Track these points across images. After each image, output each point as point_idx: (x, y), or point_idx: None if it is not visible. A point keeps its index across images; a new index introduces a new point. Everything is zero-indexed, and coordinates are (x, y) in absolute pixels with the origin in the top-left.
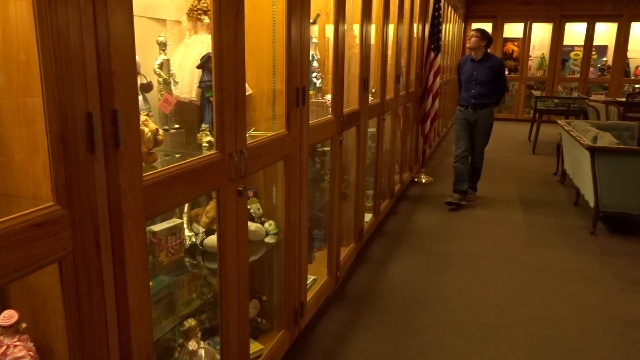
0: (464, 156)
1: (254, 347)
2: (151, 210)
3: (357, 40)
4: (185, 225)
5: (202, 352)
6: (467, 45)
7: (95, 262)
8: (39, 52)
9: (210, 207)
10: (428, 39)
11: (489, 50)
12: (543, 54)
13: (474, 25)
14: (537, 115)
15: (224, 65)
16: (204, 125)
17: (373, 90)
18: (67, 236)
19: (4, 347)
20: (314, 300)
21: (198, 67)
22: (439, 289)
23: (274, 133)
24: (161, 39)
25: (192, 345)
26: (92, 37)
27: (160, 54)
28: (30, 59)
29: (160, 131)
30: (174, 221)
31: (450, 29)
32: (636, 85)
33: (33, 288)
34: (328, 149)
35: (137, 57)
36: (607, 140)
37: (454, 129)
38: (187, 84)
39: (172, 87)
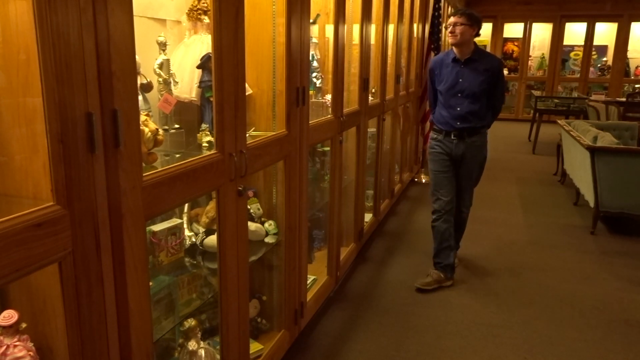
0: (448, 211)
1: (254, 347)
2: (151, 210)
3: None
4: (185, 225)
5: (202, 352)
6: (452, 39)
7: (95, 262)
8: (39, 52)
9: (210, 207)
10: (428, 39)
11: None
12: (543, 54)
13: None
14: (537, 115)
15: (224, 65)
16: (204, 125)
17: (373, 90)
18: (67, 236)
19: (4, 347)
20: (314, 300)
21: (198, 67)
22: (438, 289)
23: (274, 133)
24: (161, 39)
25: (192, 345)
26: (92, 37)
27: (160, 54)
28: (30, 59)
29: (160, 131)
30: (174, 221)
31: None
32: (636, 85)
33: (33, 288)
34: (328, 149)
35: (137, 57)
36: (607, 140)
37: (429, 168)
38: (187, 84)
39: (172, 87)
